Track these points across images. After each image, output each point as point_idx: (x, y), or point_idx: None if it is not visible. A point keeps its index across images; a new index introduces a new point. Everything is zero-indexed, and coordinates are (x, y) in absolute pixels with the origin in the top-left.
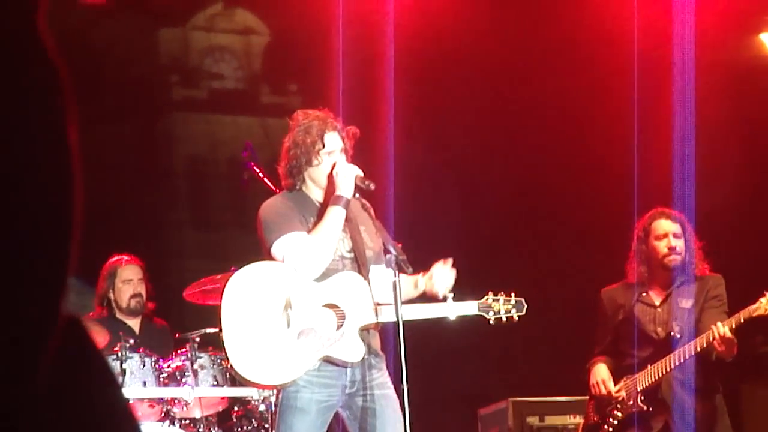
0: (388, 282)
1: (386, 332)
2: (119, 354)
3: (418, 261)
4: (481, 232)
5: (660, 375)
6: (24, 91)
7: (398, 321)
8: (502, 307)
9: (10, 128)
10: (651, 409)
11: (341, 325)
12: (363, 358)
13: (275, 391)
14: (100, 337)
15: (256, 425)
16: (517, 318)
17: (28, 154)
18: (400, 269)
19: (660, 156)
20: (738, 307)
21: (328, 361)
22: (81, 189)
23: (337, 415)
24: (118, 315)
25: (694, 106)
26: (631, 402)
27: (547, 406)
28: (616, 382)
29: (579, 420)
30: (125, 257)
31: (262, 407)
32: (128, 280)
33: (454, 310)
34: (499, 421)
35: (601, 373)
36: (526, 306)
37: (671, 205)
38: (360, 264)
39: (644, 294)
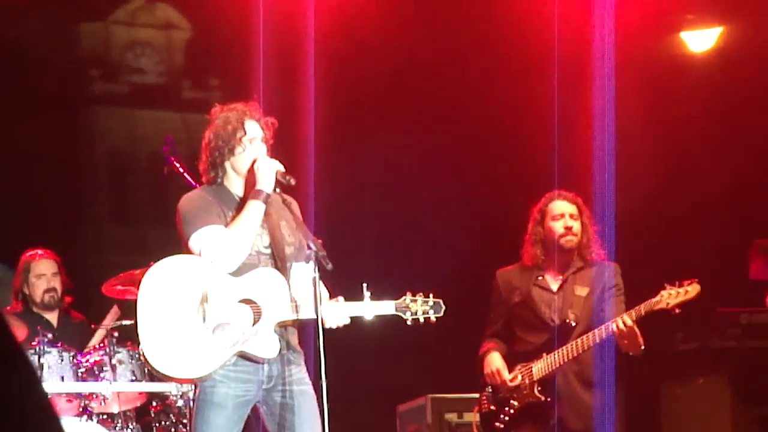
0: (308, 278)
1: (305, 328)
2: (37, 348)
3: (338, 257)
4: (400, 229)
5: (557, 365)
6: None
7: (318, 316)
8: (420, 308)
9: None
10: (548, 399)
11: (257, 321)
12: (281, 353)
13: (193, 387)
14: (19, 331)
15: (174, 420)
16: (434, 319)
17: None
18: (321, 265)
19: (580, 153)
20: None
21: (243, 357)
22: None
23: (255, 411)
24: (35, 309)
25: (614, 103)
26: (527, 391)
27: (466, 402)
28: (510, 368)
29: None
30: (39, 251)
31: (180, 402)
32: (41, 275)
33: (372, 309)
34: (418, 417)
35: (495, 361)
36: (444, 308)
37: (591, 202)
38: (278, 260)
39: (540, 278)
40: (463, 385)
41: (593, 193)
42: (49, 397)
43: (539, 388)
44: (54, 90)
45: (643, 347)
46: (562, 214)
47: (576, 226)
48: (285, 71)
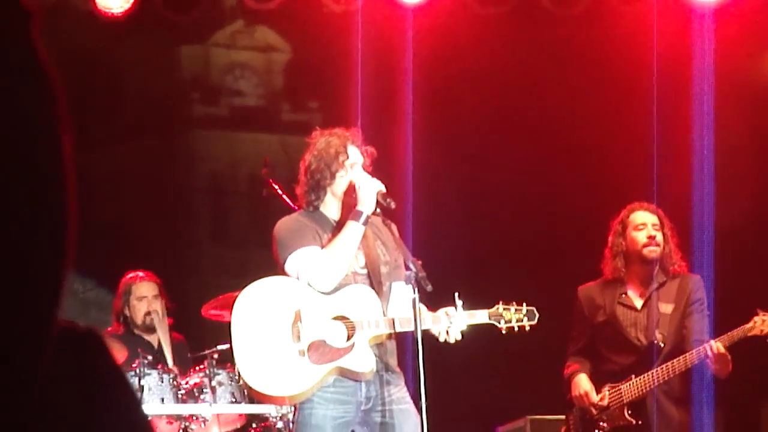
0: (407, 298)
1: (404, 348)
2: (137, 370)
3: (437, 278)
4: (500, 248)
5: (647, 388)
6: (15, 97)
7: (417, 337)
8: (514, 316)
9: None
10: (639, 422)
11: (351, 336)
12: (377, 371)
13: (293, 408)
14: (119, 353)
15: None
16: (528, 327)
17: (19, 160)
18: (420, 286)
19: (679, 174)
20: (735, 324)
21: (341, 374)
22: (75, 196)
23: None
24: (136, 331)
25: (713, 120)
26: (617, 414)
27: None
28: (597, 388)
29: None
30: (140, 274)
31: (280, 424)
32: (143, 297)
33: (465, 319)
34: None
35: (583, 384)
36: (537, 315)
37: (691, 223)
38: (373, 280)
39: (624, 295)
40: (562, 407)
41: (692, 212)
42: (149, 419)
43: (629, 412)
44: (153, 112)
45: (731, 369)
46: (645, 224)
47: (659, 236)
48: (383, 93)
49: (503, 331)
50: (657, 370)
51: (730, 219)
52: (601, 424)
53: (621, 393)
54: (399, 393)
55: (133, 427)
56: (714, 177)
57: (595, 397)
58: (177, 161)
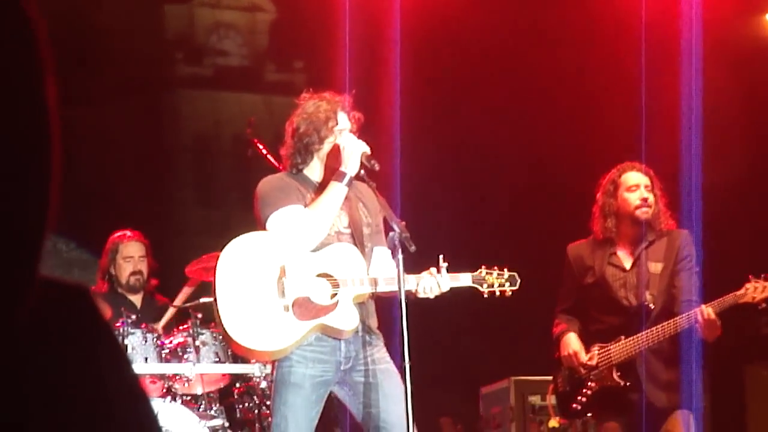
0: (388, 263)
1: (388, 311)
2: (121, 329)
3: (422, 239)
4: (485, 213)
5: (636, 350)
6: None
7: (401, 299)
8: (496, 280)
9: None
10: (628, 384)
11: (335, 294)
12: (358, 334)
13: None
14: (104, 311)
15: (257, 402)
16: (510, 292)
17: (2, 105)
18: (404, 247)
19: (666, 136)
20: (726, 289)
21: (323, 332)
22: (59, 146)
23: (334, 396)
24: (120, 290)
25: (701, 86)
26: (605, 374)
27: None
28: (586, 347)
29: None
30: (128, 233)
31: (263, 384)
32: (129, 257)
33: (448, 281)
34: (501, 399)
35: (572, 344)
36: (519, 281)
37: (679, 181)
38: (356, 239)
39: (613, 255)
40: (545, 367)
41: (680, 170)
42: (138, 376)
43: (618, 373)
44: (138, 72)
45: (719, 334)
46: (638, 185)
47: (651, 198)
48: (370, 53)
49: (485, 295)
50: (647, 333)
51: (718, 177)
52: (589, 383)
53: (610, 353)
54: (380, 353)
55: (126, 384)
56: (702, 142)
57: (584, 357)
58: (162, 121)
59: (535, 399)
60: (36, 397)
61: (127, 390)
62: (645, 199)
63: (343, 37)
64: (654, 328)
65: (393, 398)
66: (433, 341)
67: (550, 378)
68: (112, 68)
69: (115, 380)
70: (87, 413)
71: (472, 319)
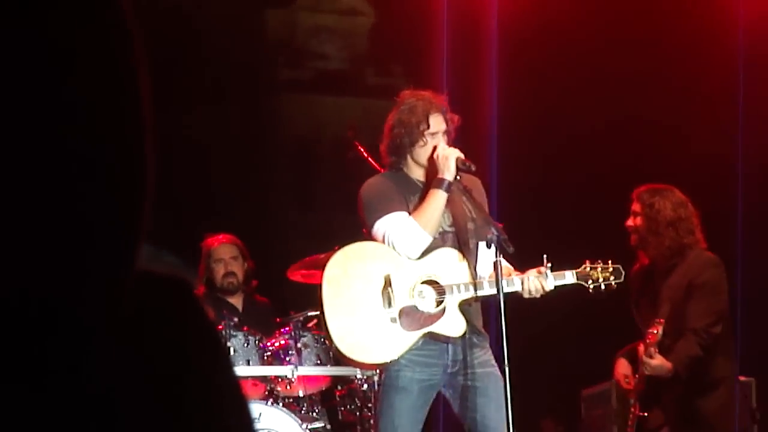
0: (489, 261)
1: (488, 311)
2: (223, 332)
3: (521, 240)
4: (584, 209)
5: None
6: (98, 49)
7: (500, 301)
8: (601, 275)
9: (82, 83)
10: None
11: (441, 302)
12: (465, 334)
13: (378, 371)
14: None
15: (358, 404)
16: (615, 285)
17: (100, 109)
18: (502, 249)
19: (764, 148)
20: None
21: (431, 338)
22: (153, 146)
23: (441, 396)
24: (218, 294)
25: None
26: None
27: None
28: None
29: None
30: (219, 236)
31: (365, 387)
32: (220, 259)
33: (553, 281)
34: (603, 402)
35: (621, 369)
36: (623, 273)
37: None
38: (460, 238)
39: None
40: None
41: None
42: (240, 379)
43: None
44: (239, 76)
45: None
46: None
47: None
48: (469, 57)
49: (590, 291)
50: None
51: None
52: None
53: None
54: (484, 356)
55: (229, 388)
56: None
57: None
58: (262, 125)
59: None
60: (134, 395)
61: (232, 393)
62: None
63: (442, 39)
64: None
65: (495, 402)
66: (534, 343)
67: None
68: (211, 73)
69: (222, 384)
70: (188, 415)
71: (574, 320)
